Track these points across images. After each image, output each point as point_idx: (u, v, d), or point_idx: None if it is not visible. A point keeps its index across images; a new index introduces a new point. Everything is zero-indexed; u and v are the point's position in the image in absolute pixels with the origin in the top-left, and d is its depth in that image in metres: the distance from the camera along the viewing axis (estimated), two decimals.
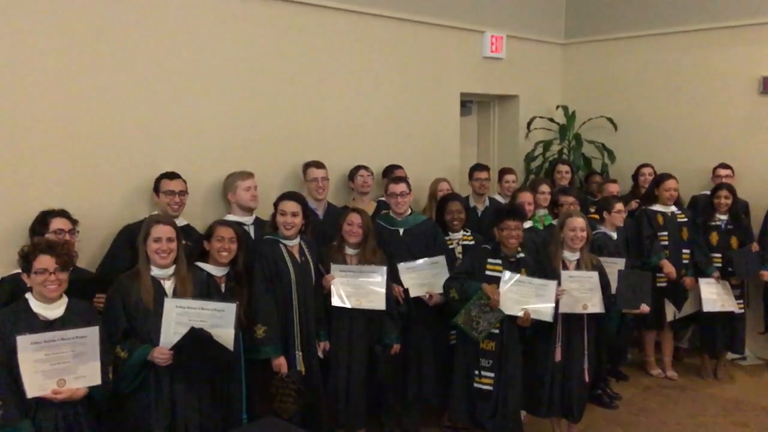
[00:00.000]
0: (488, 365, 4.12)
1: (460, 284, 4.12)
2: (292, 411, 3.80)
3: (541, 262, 4.31)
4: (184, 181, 4.08)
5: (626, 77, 6.79)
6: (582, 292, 4.17)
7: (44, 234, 3.40)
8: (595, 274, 4.20)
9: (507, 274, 4.06)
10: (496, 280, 4.07)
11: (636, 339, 5.84)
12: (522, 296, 4.05)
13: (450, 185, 5.34)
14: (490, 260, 4.15)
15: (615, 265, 4.63)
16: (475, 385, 4.13)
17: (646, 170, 6.02)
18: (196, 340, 3.22)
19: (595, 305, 4.17)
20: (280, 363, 3.84)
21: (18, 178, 3.65)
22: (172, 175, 4.05)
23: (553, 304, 4.05)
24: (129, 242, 3.72)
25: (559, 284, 4.10)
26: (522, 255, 4.20)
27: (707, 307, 5.41)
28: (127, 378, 3.23)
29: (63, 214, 3.53)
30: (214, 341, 3.27)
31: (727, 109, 6.21)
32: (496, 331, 4.09)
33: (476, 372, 4.13)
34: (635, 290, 4.47)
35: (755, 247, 5.54)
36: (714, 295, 5.44)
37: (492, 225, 4.30)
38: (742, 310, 5.58)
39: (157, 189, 4.04)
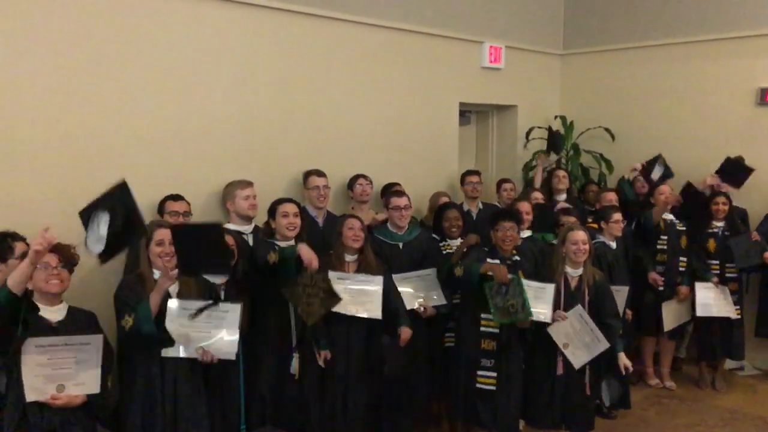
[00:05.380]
0: (490, 365, 4.14)
1: (462, 264, 4.16)
2: (317, 315, 3.77)
3: (541, 274, 4.32)
4: (188, 203, 4.09)
5: (624, 88, 6.83)
6: (577, 336, 4.15)
7: (8, 259, 3.16)
8: (603, 345, 4.13)
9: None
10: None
11: (634, 349, 5.82)
12: None
13: (450, 199, 5.34)
14: (489, 260, 4.20)
15: (618, 293, 4.64)
16: (477, 385, 4.14)
17: None
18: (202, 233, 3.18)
19: (577, 357, 4.16)
20: (311, 256, 3.75)
21: (15, 193, 3.63)
22: (176, 197, 4.06)
23: (551, 307, 4.10)
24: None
25: (558, 290, 4.16)
26: (517, 258, 4.26)
27: (700, 312, 5.42)
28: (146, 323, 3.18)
29: (22, 238, 3.28)
30: (222, 240, 3.20)
31: (725, 120, 6.25)
32: (496, 330, 4.13)
33: (478, 372, 4.14)
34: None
35: (755, 235, 5.51)
36: (709, 300, 5.44)
37: (487, 222, 4.39)
38: (739, 316, 5.57)
39: (161, 210, 4.04)
